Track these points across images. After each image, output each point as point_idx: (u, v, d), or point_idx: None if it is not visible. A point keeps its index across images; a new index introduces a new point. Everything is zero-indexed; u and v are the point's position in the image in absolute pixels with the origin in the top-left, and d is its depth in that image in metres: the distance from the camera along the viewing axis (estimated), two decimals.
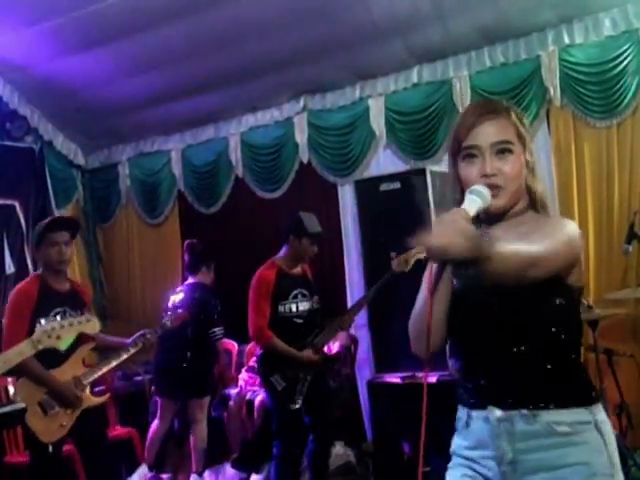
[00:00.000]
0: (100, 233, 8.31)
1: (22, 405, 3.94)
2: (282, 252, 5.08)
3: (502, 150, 1.98)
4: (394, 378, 5.49)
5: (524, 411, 1.93)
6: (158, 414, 5.90)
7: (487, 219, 2.01)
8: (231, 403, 6.33)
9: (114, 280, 8.21)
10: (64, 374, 4.24)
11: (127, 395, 6.56)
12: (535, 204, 2.07)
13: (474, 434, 2.02)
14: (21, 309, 4.25)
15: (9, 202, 7.17)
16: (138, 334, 4.57)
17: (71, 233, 4.50)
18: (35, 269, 6.25)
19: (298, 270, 5.11)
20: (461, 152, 2.01)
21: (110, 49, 6.29)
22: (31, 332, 4.12)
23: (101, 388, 6.16)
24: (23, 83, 7.05)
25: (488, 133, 1.99)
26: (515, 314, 1.94)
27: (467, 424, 2.04)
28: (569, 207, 5.52)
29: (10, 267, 6.99)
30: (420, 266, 2.13)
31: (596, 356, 4.75)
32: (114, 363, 4.50)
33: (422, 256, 4.88)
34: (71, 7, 5.77)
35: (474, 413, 2.02)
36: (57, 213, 7.60)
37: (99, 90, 6.90)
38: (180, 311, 5.17)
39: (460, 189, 2.02)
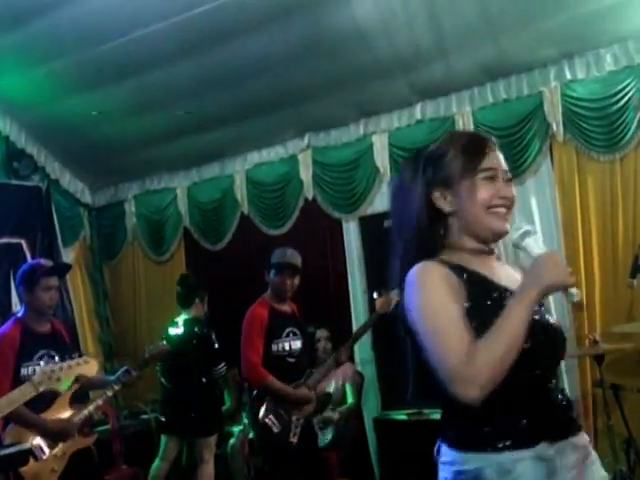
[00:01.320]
0: (106, 270, 8.32)
1: (28, 445, 3.91)
2: (268, 289, 5.03)
3: (509, 178, 2.03)
4: (401, 415, 5.47)
5: (572, 439, 1.92)
6: (160, 453, 5.80)
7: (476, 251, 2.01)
8: (233, 441, 6.28)
9: (120, 317, 8.20)
10: (53, 417, 4.20)
11: (133, 433, 6.53)
12: None
13: (524, 477, 1.83)
14: (5, 355, 4.21)
15: (16, 240, 7.17)
16: (121, 370, 4.55)
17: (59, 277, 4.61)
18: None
19: (287, 308, 5.05)
20: (480, 172, 1.97)
21: (116, 88, 6.36)
22: (15, 378, 4.11)
23: (106, 427, 6.15)
24: (30, 122, 7.12)
25: (500, 160, 2.02)
26: (555, 350, 1.98)
27: (508, 471, 1.82)
28: (574, 241, 5.52)
29: (17, 305, 6.98)
30: None
31: (603, 391, 4.72)
32: (100, 402, 4.48)
33: None
34: (77, 47, 5.86)
35: (514, 455, 1.83)
36: (64, 251, 7.65)
37: (105, 128, 6.96)
38: (161, 344, 5.00)
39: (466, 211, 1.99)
